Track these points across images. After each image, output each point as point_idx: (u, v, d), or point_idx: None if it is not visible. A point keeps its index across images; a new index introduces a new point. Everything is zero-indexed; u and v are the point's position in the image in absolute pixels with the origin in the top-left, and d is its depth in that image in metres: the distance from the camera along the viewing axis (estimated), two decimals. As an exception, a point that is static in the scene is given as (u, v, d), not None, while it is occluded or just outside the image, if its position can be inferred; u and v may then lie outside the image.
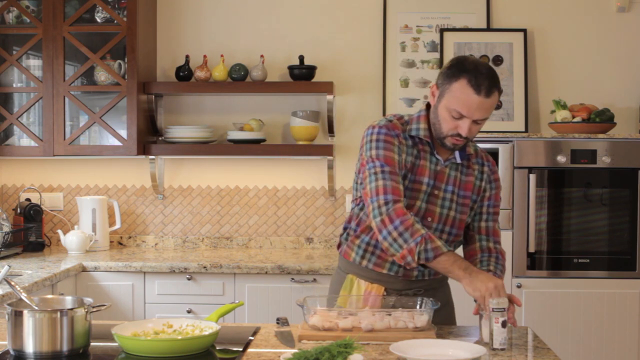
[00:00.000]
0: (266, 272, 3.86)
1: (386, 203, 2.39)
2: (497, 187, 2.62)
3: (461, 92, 2.37)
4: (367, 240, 2.58)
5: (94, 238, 4.26)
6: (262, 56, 4.36)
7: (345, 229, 2.67)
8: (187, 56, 4.37)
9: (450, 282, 2.74)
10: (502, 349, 2.23)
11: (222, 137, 4.45)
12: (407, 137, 2.52)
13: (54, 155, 4.20)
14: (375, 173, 2.44)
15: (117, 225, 4.41)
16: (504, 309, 2.24)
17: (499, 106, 4.27)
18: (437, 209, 2.52)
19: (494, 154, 3.92)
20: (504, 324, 2.24)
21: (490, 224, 2.60)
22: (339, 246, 2.70)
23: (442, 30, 4.35)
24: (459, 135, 2.41)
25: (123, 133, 4.18)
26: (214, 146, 4.30)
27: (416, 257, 2.34)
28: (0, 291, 3.05)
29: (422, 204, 2.51)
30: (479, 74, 2.36)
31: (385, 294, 2.57)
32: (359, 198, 2.58)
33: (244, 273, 3.88)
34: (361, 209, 2.58)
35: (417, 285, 2.60)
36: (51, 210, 4.51)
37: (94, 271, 3.90)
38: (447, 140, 2.45)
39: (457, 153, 2.53)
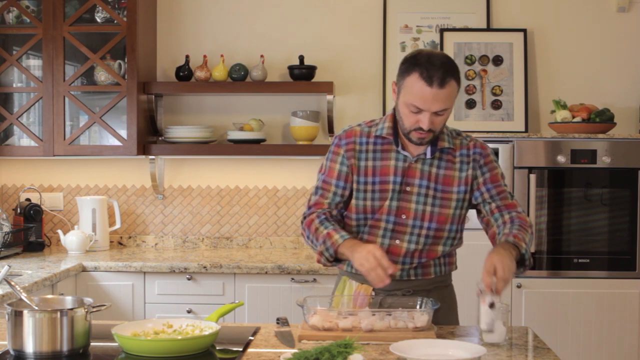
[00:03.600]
0: (266, 272, 3.86)
1: (304, 217, 2.61)
2: (491, 169, 2.57)
3: (414, 86, 2.39)
4: None
5: (94, 238, 4.26)
6: (262, 56, 4.36)
7: None
8: (187, 56, 4.37)
9: (455, 283, 2.74)
10: (490, 332, 2.26)
11: (222, 137, 4.45)
12: (367, 142, 2.57)
13: (54, 155, 4.20)
14: (316, 187, 2.63)
15: (117, 225, 4.41)
16: (492, 290, 2.25)
17: (498, 106, 4.28)
18: (411, 205, 2.52)
19: (494, 154, 3.92)
20: (491, 305, 2.24)
21: (499, 202, 2.54)
22: None
23: (442, 30, 4.36)
24: (421, 129, 2.42)
25: (123, 133, 4.18)
26: (214, 146, 4.30)
27: (323, 258, 2.51)
28: (0, 291, 3.05)
29: (393, 203, 2.52)
30: (431, 66, 2.37)
31: (373, 294, 2.57)
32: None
33: (244, 273, 3.88)
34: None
35: (405, 285, 2.58)
36: (51, 210, 4.51)
37: (94, 271, 3.90)
38: (412, 135, 2.46)
39: (428, 149, 2.53)
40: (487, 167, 2.57)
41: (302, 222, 2.61)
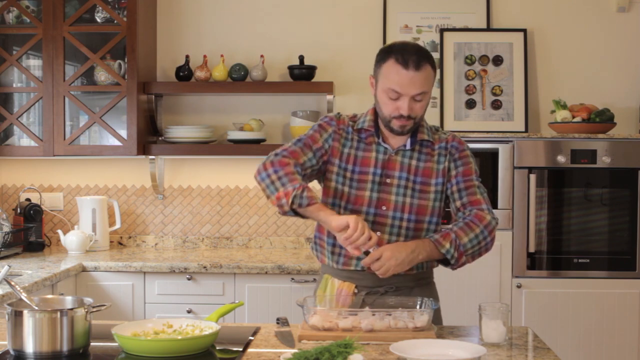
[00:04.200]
0: (266, 272, 3.86)
1: (276, 154, 2.51)
2: (465, 163, 2.59)
3: (391, 71, 2.47)
4: (331, 242, 2.62)
5: (94, 238, 4.26)
6: (262, 56, 4.36)
7: (314, 237, 2.71)
8: (187, 56, 4.37)
9: (442, 282, 2.74)
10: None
11: (222, 137, 4.45)
12: (352, 132, 2.61)
13: (54, 155, 4.20)
14: (297, 140, 2.57)
15: (117, 225, 4.41)
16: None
17: (498, 106, 4.28)
18: (391, 197, 2.56)
19: (494, 154, 3.93)
20: (366, 253, 2.37)
21: (465, 199, 2.57)
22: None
23: (442, 30, 4.36)
24: (401, 115, 2.47)
25: (123, 133, 4.18)
26: (214, 146, 4.30)
27: (290, 200, 2.39)
28: (0, 291, 3.05)
29: (373, 194, 2.56)
30: (406, 51, 2.46)
31: (355, 291, 2.59)
32: None
33: (244, 273, 3.88)
34: None
35: (387, 282, 2.57)
36: (51, 210, 4.51)
37: (94, 271, 3.90)
38: (393, 124, 2.51)
39: (408, 140, 2.57)
40: (462, 161, 2.60)
41: (268, 157, 2.51)
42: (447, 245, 2.47)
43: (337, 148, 2.59)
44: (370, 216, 2.56)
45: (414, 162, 2.57)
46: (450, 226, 2.52)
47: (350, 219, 2.33)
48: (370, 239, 2.34)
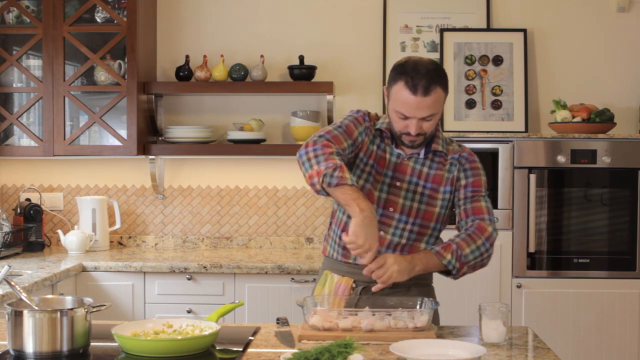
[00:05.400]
0: (266, 272, 3.86)
1: (320, 136, 2.48)
2: (475, 175, 2.62)
3: (400, 95, 2.46)
4: (336, 232, 2.67)
5: (94, 238, 4.26)
6: (262, 56, 4.36)
7: (329, 223, 2.76)
8: (187, 56, 4.37)
9: (435, 284, 2.74)
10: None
11: (222, 137, 4.45)
12: (376, 131, 2.62)
13: (54, 155, 4.20)
14: (337, 126, 2.54)
15: (117, 225, 4.41)
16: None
17: (498, 106, 4.27)
18: (399, 200, 2.59)
19: (494, 154, 3.93)
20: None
21: (469, 206, 2.59)
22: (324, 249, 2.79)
23: (442, 30, 4.35)
24: (409, 133, 2.50)
25: (123, 133, 4.18)
26: (214, 146, 4.30)
27: (321, 179, 2.35)
28: (0, 291, 3.05)
29: (382, 195, 2.59)
30: (417, 74, 2.44)
31: (354, 286, 2.61)
32: None
33: (244, 273, 3.88)
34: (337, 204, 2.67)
35: None
36: (51, 210, 4.51)
37: (94, 271, 3.90)
38: (403, 139, 2.54)
39: (422, 150, 2.60)
40: (472, 172, 2.62)
41: (311, 138, 2.48)
42: (449, 257, 2.49)
43: (366, 143, 2.61)
44: (377, 216, 2.56)
45: (425, 169, 2.61)
46: (452, 237, 2.55)
47: (368, 240, 2.31)
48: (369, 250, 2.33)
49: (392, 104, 2.51)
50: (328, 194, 2.39)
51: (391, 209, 2.59)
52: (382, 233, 2.58)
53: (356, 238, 2.32)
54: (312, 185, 2.40)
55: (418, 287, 2.65)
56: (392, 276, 2.40)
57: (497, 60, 4.33)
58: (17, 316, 2.10)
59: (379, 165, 2.60)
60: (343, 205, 2.39)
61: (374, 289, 2.46)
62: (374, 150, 2.61)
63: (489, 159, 3.94)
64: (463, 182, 2.61)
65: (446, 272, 2.56)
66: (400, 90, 2.46)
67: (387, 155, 2.61)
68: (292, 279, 3.87)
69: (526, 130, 4.25)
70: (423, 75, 2.44)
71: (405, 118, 2.48)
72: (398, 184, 2.59)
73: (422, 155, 2.60)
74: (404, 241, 2.59)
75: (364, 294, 2.58)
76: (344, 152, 2.51)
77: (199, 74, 4.32)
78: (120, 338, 2.12)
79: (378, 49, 4.45)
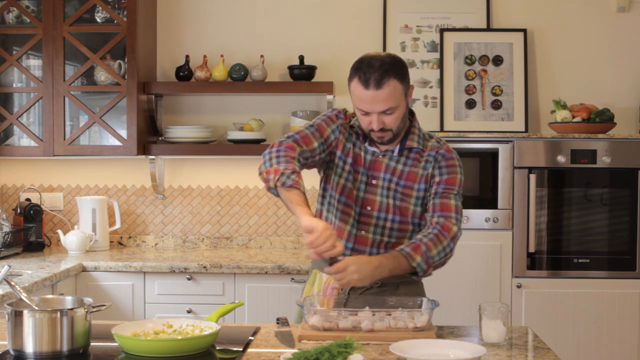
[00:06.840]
0: (266, 272, 3.86)
1: (288, 137, 2.56)
2: (450, 172, 2.60)
3: (356, 90, 2.49)
4: None
5: (94, 238, 4.26)
6: (262, 56, 4.36)
7: None
8: (187, 56, 4.37)
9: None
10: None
11: (222, 137, 4.45)
12: (350, 129, 2.65)
13: (54, 155, 4.20)
14: (309, 126, 2.61)
15: (117, 225, 4.41)
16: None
17: (498, 106, 4.27)
18: (376, 198, 2.60)
19: (494, 154, 3.93)
20: (332, 260, 2.35)
21: (437, 201, 2.57)
22: None
23: (442, 30, 4.35)
24: (373, 130, 2.51)
25: (123, 133, 4.18)
26: (214, 146, 4.30)
27: (277, 177, 2.42)
28: (0, 291, 3.05)
29: (360, 193, 2.60)
30: (369, 68, 2.45)
31: None
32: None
33: (244, 273, 3.88)
34: (321, 203, 2.69)
35: None
36: (51, 210, 4.51)
37: (94, 271, 3.90)
38: (372, 136, 2.56)
39: (397, 146, 2.60)
40: (446, 170, 2.60)
41: (280, 138, 2.57)
42: (418, 259, 2.47)
43: (341, 141, 2.62)
44: (357, 215, 2.60)
45: (399, 166, 2.61)
46: (419, 236, 2.52)
47: (318, 225, 2.30)
48: (334, 247, 2.31)
49: (353, 101, 2.53)
50: (277, 194, 2.47)
51: (369, 208, 2.60)
52: (363, 232, 2.60)
53: (314, 225, 2.29)
54: (267, 180, 2.48)
55: (406, 285, 2.64)
56: (351, 283, 2.39)
57: (497, 60, 4.33)
58: (17, 316, 2.10)
59: (356, 163, 2.61)
60: (289, 206, 2.44)
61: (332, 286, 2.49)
62: (351, 149, 2.62)
63: (489, 159, 3.94)
64: (437, 178, 2.59)
65: (412, 273, 2.54)
66: (356, 86, 2.47)
67: (363, 153, 2.62)
68: (292, 279, 3.87)
69: (526, 130, 4.25)
70: (376, 68, 2.44)
71: (366, 114, 2.49)
72: (374, 181, 2.60)
73: (396, 153, 2.60)
74: (386, 239, 2.60)
75: (352, 294, 2.59)
76: (313, 153, 2.56)
77: (199, 74, 4.32)
78: (120, 338, 2.12)
79: (378, 49, 4.45)
